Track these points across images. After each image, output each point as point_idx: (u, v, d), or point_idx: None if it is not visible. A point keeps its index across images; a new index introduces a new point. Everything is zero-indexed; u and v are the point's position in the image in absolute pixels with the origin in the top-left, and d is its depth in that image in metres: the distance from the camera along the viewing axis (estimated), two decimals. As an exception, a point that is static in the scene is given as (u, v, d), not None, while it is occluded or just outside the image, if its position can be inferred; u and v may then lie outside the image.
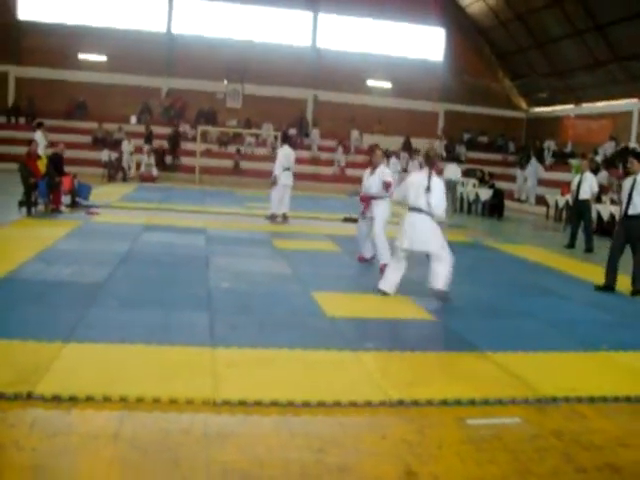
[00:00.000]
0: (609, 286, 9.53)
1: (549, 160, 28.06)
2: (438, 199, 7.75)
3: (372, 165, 10.12)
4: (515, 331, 7.01)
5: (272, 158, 26.08)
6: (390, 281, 8.17)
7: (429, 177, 7.79)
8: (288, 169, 15.03)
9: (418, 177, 8.00)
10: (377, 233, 9.73)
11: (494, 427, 4.50)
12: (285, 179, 14.99)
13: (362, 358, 5.69)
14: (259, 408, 4.48)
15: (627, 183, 9.67)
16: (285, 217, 15.19)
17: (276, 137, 27.24)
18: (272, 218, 15.02)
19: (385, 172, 9.86)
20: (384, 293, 8.11)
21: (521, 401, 4.97)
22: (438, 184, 7.84)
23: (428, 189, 7.70)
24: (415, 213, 7.85)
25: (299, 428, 4.28)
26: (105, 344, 5.50)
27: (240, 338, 5.94)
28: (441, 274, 7.78)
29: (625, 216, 9.50)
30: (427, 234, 7.78)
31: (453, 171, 22.51)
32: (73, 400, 4.36)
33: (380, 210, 9.78)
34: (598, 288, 9.60)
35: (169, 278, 8.33)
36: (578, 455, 4.16)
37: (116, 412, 4.26)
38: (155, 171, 25.69)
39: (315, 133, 31.50)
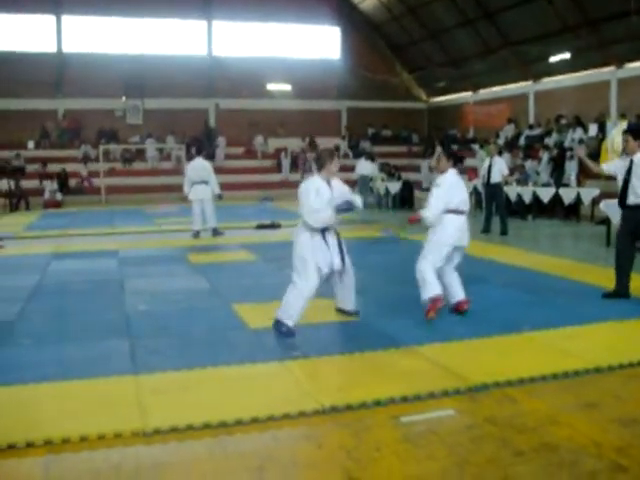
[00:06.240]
0: (622, 292, 7.84)
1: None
2: (304, 204, 6.54)
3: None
4: (438, 322, 7.02)
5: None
6: None
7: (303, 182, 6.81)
8: (205, 182, 14.40)
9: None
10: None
11: (429, 422, 4.49)
12: (198, 193, 14.38)
13: (290, 367, 5.61)
14: (191, 433, 4.34)
15: (620, 165, 7.93)
16: (216, 231, 14.67)
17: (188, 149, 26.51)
18: (195, 235, 14.49)
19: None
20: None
21: (453, 392, 4.98)
22: (304, 188, 6.59)
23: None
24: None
25: (234, 448, 4.16)
26: (21, 386, 5.21)
27: (163, 362, 5.75)
28: (288, 301, 6.63)
29: (625, 207, 7.76)
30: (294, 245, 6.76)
31: (365, 166, 22.06)
32: (-7, 450, 4.12)
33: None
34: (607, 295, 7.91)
35: (83, 307, 8.03)
36: (514, 439, 4.19)
37: (41, 457, 4.04)
38: (59, 196, 24.96)
39: (221, 141, 31.05)
